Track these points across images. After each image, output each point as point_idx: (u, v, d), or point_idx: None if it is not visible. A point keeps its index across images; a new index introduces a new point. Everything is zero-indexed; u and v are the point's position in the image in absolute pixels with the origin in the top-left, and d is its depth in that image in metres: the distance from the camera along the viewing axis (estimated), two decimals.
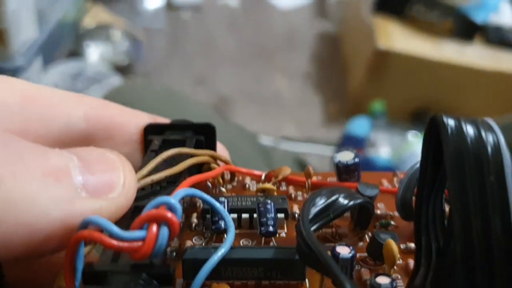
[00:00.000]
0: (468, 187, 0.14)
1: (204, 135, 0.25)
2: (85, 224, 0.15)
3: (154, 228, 0.15)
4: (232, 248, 0.18)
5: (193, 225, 0.22)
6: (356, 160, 0.23)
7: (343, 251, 0.18)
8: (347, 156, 0.24)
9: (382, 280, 0.17)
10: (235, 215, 0.22)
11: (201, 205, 0.23)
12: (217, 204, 0.20)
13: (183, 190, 0.17)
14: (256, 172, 0.24)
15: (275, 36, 1.78)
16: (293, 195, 0.24)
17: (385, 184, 0.25)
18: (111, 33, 1.58)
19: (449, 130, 0.15)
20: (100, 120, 0.23)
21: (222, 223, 0.21)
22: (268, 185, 0.23)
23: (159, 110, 0.62)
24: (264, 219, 0.21)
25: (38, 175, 0.16)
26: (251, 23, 1.80)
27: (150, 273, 0.16)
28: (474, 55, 1.41)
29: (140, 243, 0.15)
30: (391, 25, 1.44)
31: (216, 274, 0.18)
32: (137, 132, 0.24)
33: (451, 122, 0.15)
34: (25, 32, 1.24)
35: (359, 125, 1.32)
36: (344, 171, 0.24)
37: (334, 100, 1.59)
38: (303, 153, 1.42)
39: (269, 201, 0.21)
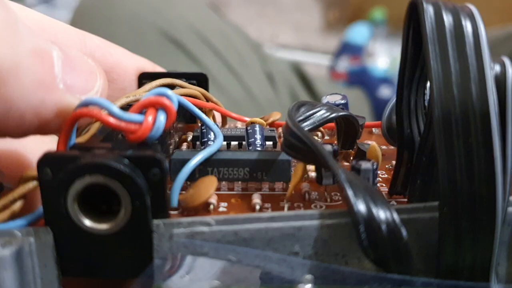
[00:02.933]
0: (447, 58, 0.15)
1: (197, 83, 0.25)
2: (85, 103, 0.16)
3: (153, 112, 0.16)
4: (220, 151, 0.19)
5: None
6: (344, 101, 0.23)
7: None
8: (335, 97, 0.24)
9: (364, 164, 0.18)
10: (224, 143, 0.22)
11: (191, 136, 0.23)
12: (203, 116, 0.20)
13: (176, 96, 0.17)
14: (246, 118, 0.24)
15: None
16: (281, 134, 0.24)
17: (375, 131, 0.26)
18: None
19: (428, 10, 0.15)
20: (104, 63, 0.22)
21: (211, 133, 0.21)
22: (258, 119, 0.23)
23: (152, 7, 0.60)
24: (252, 140, 0.21)
25: (29, 51, 0.16)
26: None
27: (134, 154, 0.15)
28: None
29: (137, 126, 0.16)
30: None
31: (203, 174, 0.18)
32: (136, 79, 0.24)
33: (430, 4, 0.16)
34: None
35: (358, 33, 1.30)
36: None
37: (333, 6, 1.56)
38: (299, 61, 1.41)
39: (258, 126, 0.22)
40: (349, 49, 1.27)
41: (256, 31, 1.46)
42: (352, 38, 1.30)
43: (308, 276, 0.15)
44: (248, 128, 0.22)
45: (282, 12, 1.51)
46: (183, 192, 0.18)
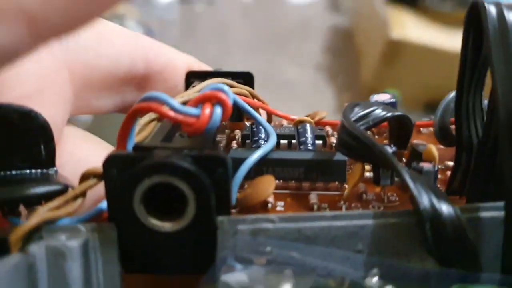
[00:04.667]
0: (510, 57, 0.15)
1: (244, 81, 0.25)
2: (145, 99, 0.16)
3: (209, 106, 0.16)
4: (274, 150, 0.19)
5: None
6: (393, 100, 0.23)
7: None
8: (384, 96, 0.24)
9: (426, 166, 0.18)
10: None
11: (240, 134, 0.23)
12: (256, 114, 0.21)
13: (232, 94, 0.18)
14: (293, 116, 0.24)
15: (287, 28, 1.78)
16: (329, 133, 0.25)
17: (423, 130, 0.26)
18: (125, 23, 1.60)
19: (490, 12, 0.16)
20: (157, 63, 0.23)
21: (262, 131, 0.21)
22: (306, 118, 0.23)
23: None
24: (304, 139, 0.21)
25: None
26: (264, 16, 1.81)
27: (200, 154, 0.15)
28: None
29: (195, 119, 0.16)
30: (404, 15, 1.43)
31: (258, 173, 0.18)
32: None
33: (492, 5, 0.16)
34: None
35: None
36: None
37: (346, 90, 1.59)
38: None
39: (308, 125, 0.22)
40: None
41: None
42: None
43: (375, 271, 0.15)
44: (299, 127, 0.22)
45: (296, 96, 1.55)
46: (240, 190, 0.18)
